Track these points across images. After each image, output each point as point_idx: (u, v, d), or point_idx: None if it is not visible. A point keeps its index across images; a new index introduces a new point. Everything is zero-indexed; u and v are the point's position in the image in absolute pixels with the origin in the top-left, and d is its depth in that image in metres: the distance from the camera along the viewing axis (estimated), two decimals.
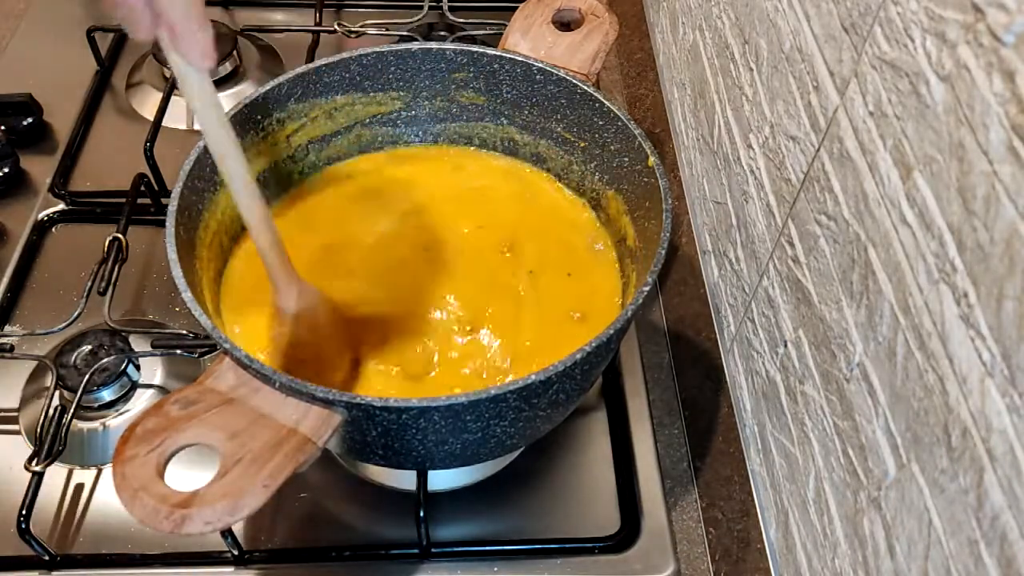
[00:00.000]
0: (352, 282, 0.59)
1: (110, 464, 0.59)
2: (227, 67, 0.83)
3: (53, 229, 0.74)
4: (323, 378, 0.49)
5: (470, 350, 0.56)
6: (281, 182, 0.63)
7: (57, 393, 0.60)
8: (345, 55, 0.60)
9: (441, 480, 0.59)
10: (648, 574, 0.56)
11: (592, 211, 0.63)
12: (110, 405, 0.61)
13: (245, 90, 0.83)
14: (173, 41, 0.41)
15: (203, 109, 0.45)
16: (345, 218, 0.63)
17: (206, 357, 0.62)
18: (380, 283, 0.59)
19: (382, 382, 0.54)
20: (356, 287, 0.59)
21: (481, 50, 0.61)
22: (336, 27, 0.85)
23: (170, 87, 0.77)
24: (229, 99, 0.82)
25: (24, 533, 0.53)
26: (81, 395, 0.59)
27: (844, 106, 0.40)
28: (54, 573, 0.55)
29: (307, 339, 0.52)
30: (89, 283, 0.64)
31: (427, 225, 0.63)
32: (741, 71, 0.55)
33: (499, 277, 0.60)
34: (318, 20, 0.87)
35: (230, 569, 0.56)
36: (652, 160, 0.54)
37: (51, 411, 0.58)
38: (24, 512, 0.53)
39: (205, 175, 0.54)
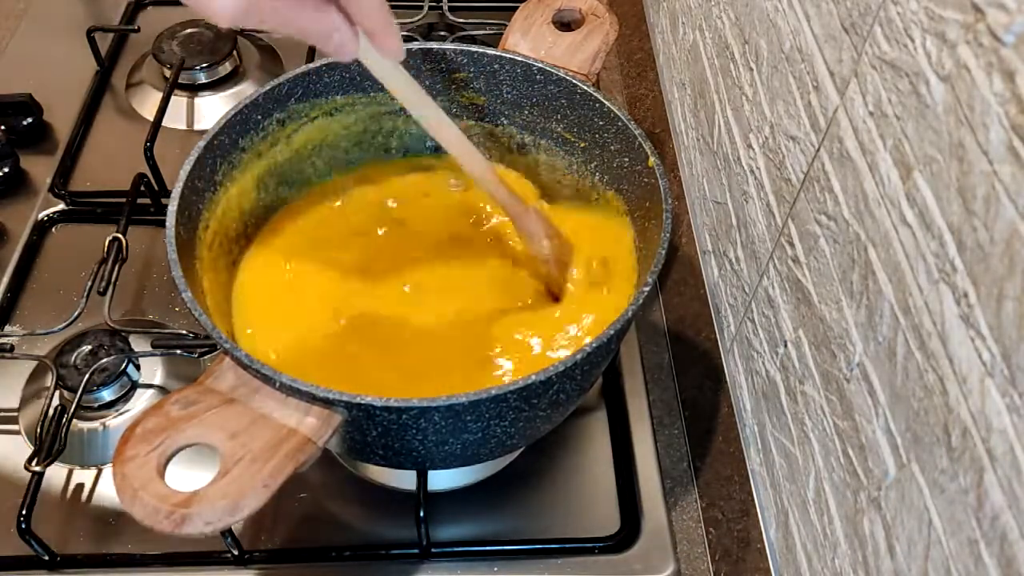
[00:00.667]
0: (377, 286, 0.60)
1: (110, 464, 0.59)
2: (227, 67, 0.83)
3: (53, 229, 0.74)
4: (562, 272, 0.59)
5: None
6: (289, 186, 0.63)
7: (57, 393, 0.60)
8: None
9: (441, 480, 0.59)
10: (648, 574, 0.56)
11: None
12: (110, 405, 0.61)
13: (245, 90, 0.83)
14: (373, 40, 0.43)
15: (413, 95, 0.51)
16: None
17: (206, 357, 0.62)
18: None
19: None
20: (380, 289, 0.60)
21: (481, 50, 0.61)
22: None
23: (170, 87, 0.77)
24: (229, 99, 0.82)
25: (24, 533, 0.53)
26: (81, 395, 0.58)
27: (844, 106, 0.40)
28: (54, 573, 0.55)
29: (553, 246, 0.59)
30: (89, 283, 0.64)
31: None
32: (741, 71, 0.55)
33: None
34: None
35: (230, 569, 0.56)
36: (652, 160, 0.54)
37: (51, 411, 0.58)
38: (24, 512, 0.53)
39: (205, 175, 0.54)
